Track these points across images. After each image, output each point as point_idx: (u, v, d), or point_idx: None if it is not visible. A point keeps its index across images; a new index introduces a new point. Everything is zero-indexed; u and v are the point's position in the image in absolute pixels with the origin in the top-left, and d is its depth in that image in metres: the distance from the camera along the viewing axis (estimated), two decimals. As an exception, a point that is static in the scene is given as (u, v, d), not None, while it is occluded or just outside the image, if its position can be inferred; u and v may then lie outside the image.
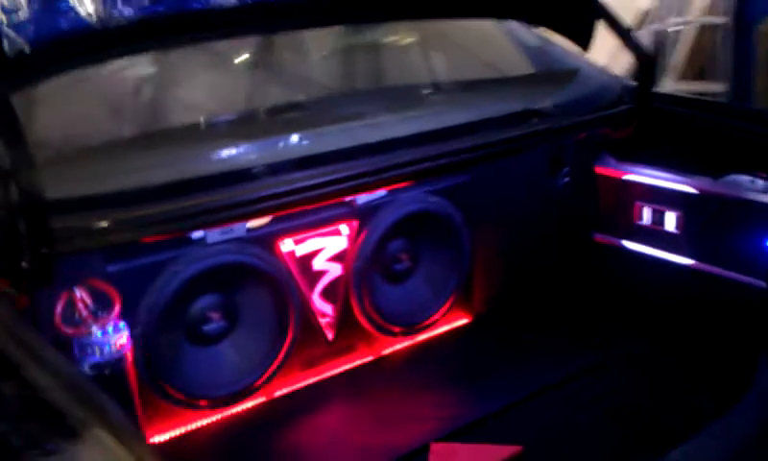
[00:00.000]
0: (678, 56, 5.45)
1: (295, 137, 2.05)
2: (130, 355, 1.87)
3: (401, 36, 2.67)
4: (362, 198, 2.33)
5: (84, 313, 1.81)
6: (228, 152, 1.86)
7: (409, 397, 2.32)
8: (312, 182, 1.92)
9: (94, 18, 1.51)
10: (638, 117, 2.28)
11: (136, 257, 1.97)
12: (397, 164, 2.05)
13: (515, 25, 2.52)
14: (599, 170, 2.56)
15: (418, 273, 2.57)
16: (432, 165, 2.10)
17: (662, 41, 5.21)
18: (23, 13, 1.44)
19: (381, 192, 2.37)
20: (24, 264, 1.31)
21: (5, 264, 1.30)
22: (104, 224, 1.46)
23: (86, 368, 1.78)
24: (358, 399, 2.34)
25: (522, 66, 2.56)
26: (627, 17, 3.86)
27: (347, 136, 2.08)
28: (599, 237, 2.61)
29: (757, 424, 1.79)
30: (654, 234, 2.41)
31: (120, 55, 1.63)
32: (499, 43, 2.59)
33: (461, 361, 2.52)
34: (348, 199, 2.30)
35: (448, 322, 2.66)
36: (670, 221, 2.36)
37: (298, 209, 2.08)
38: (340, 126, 2.16)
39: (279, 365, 2.25)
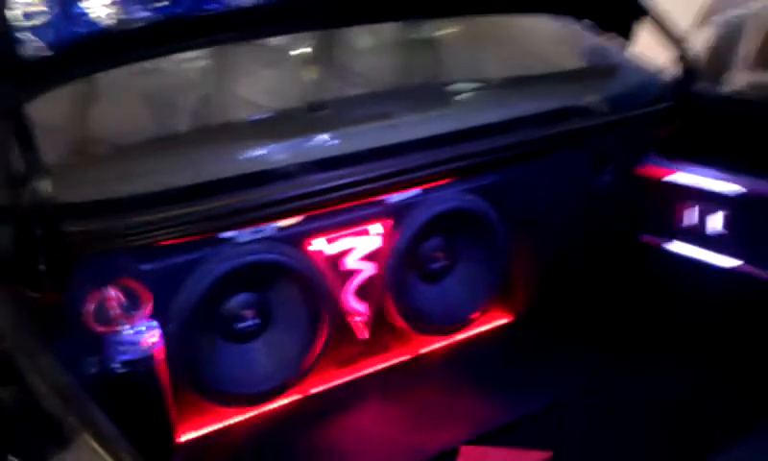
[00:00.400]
0: (748, 45, 5.21)
1: (326, 137, 2.07)
2: (160, 353, 1.91)
3: (441, 33, 2.64)
4: (394, 197, 2.32)
5: (117, 311, 1.86)
6: (251, 152, 1.89)
7: (442, 397, 2.31)
8: (343, 182, 1.94)
9: (111, 23, 1.55)
10: (680, 116, 2.19)
11: (169, 257, 2.01)
12: (429, 163, 2.04)
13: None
14: (645, 169, 2.47)
15: (454, 272, 2.55)
16: (464, 164, 2.09)
17: (731, 31, 4.97)
18: (42, 19, 1.48)
19: (414, 191, 2.35)
20: (41, 267, 1.36)
21: (23, 267, 1.35)
22: (118, 228, 1.50)
23: (117, 365, 1.83)
24: (392, 398, 2.34)
25: (563, 62, 2.49)
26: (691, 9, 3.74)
27: (378, 135, 2.08)
28: (646, 238, 2.52)
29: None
30: (699, 235, 2.32)
31: (138, 59, 1.67)
32: (540, 39, 2.53)
33: (497, 362, 2.49)
34: (379, 198, 2.31)
35: (487, 321, 2.63)
36: (715, 222, 2.26)
37: (329, 209, 2.10)
38: (373, 124, 2.16)
39: (313, 363, 2.27)
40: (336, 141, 2.08)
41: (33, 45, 1.48)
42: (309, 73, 2.33)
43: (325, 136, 2.08)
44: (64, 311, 1.77)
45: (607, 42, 2.39)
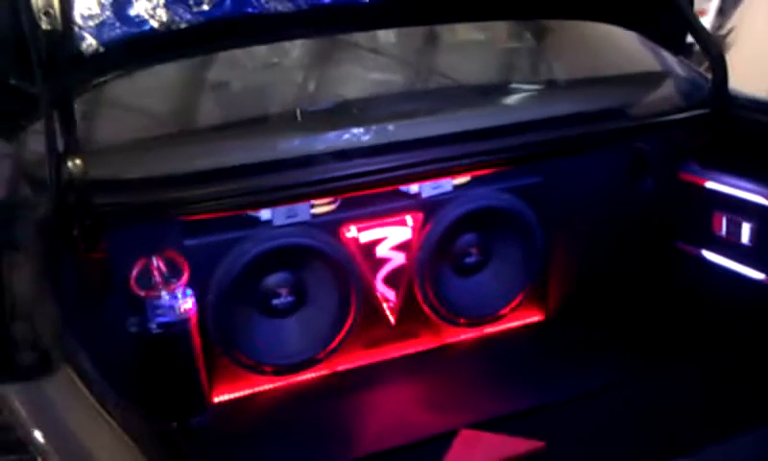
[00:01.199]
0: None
1: (362, 129, 2.19)
2: (194, 319, 2.13)
3: (479, 33, 2.74)
4: (427, 192, 2.45)
5: (158, 279, 2.09)
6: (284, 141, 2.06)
7: (461, 385, 2.42)
8: (372, 169, 2.05)
9: (157, 24, 1.76)
10: (714, 123, 2.19)
11: (211, 234, 2.23)
12: (455, 156, 2.13)
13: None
14: (684, 176, 2.48)
15: (488, 267, 2.64)
16: (491, 159, 2.16)
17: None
18: (97, 19, 1.71)
19: (448, 188, 2.47)
20: (74, 232, 1.59)
21: (59, 231, 1.58)
22: (139, 202, 1.72)
23: (154, 326, 2.06)
24: (412, 381, 2.47)
25: (608, 66, 2.53)
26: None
27: (416, 129, 2.18)
28: (681, 246, 2.52)
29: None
30: (731, 246, 2.31)
31: (180, 57, 1.88)
32: (587, 43, 2.57)
33: (521, 357, 2.56)
34: (413, 192, 2.44)
35: (520, 318, 2.71)
36: (745, 233, 2.25)
37: (359, 193, 2.24)
38: (413, 120, 2.27)
39: (341, 342, 2.43)
40: (374, 134, 2.20)
41: (89, 43, 1.71)
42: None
43: (361, 129, 2.21)
44: (111, 274, 2.01)
45: (653, 49, 2.41)
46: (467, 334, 2.64)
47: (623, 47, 2.48)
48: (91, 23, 1.71)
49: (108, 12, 1.72)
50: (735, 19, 4.15)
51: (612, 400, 2.26)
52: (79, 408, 1.21)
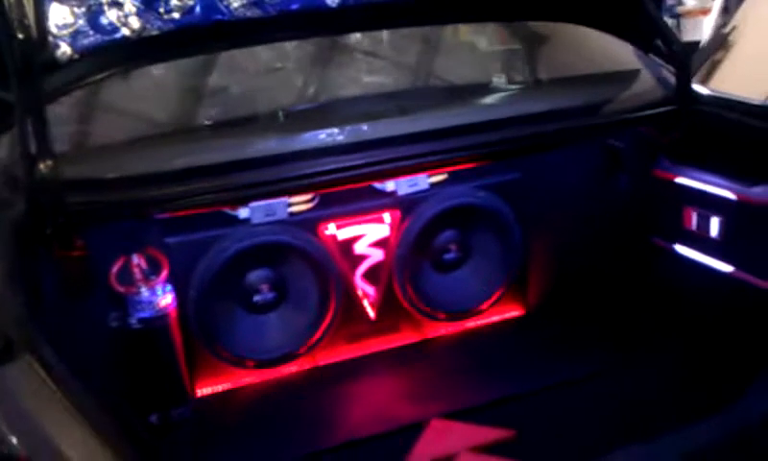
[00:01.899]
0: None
1: (334, 129, 2.24)
2: (173, 314, 2.21)
3: (455, 34, 2.79)
4: (404, 190, 2.51)
5: (138, 275, 2.17)
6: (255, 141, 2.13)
7: (439, 377, 2.47)
8: (347, 165, 2.10)
9: (129, 32, 1.84)
10: (680, 120, 2.24)
11: (191, 232, 2.30)
12: (426, 153, 2.18)
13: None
14: (656, 173, 2.51)
15: (467, 264, 2.70)
16: (458, 156, 2.22)
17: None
18: (72, 28, 1.79)
19: (424, 185, 2.53)
20: (48, 230, 1.67)
21: (34, 230, 1.66)
22: (111, 201, 1.79)
23: (134, 321, 2.14)
24: (392, 375, 2.53)
25: (574, 65, 2.58)
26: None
27: (387, 128, 2.24)
28: (656, 240, 2.56)
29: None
30: (701, 239, 2.35)
31: (152, 62, 1.96)
32: (554, 42, 2.62)
33: (500, 350, 2.61)
34: (390, 190, 2.50)
35: (500, 312, 2.76)
36: (714, 226, 2.29)
37: (332, 190, 2.30)
38: (385, 120, 2.33)
39: (321, 337, 2.50)
40: (349, 133, 2.26)
41: (63, 50, 1.79)
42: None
43: (337, 128, 2.26)
44: (91, 271, 2.09)
45: (624, 49, 2.45)
46: (447, 329, 2.69)
47: (596, 47, 2.52)
48: (65, 32, 1.79)
49: (81, 21, 1.81)
50: (739, 18, 4.17)
51: (584, 390, 2.30)
52: (38, 395, 1.28)
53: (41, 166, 1.63)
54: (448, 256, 2.66)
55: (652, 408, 2.17)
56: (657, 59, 2.35)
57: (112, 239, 2.13)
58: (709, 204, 2.29)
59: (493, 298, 2.70)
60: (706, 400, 2.12)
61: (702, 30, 5.10)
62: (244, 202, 2.27)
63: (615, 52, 2.43)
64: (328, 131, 2.21)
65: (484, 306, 2.71)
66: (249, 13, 1.95)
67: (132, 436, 1.83)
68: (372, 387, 2.49)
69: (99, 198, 1.87)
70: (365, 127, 2.26)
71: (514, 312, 2.78)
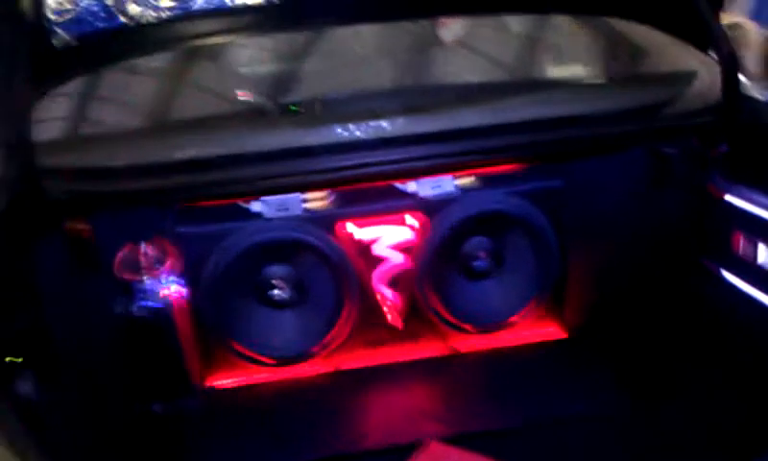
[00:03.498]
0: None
1: (359, 125, 2.15)
2: (178, 304, 2.21)
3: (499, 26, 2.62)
4: (428, 192, 2.39)
5: (144, 263, 2.18)
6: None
7: (458, 395, 2.36)
8: (361, 162, 2.02)
9: (127, 20, 1.83)
10: (724, 131, 2.00)
11: (203, 224, 2.29)
12: (450, 153, 2.07)
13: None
14: (709, 188, 2.26)
15: (499, 274, 2.54)
16: (474, 158, 2.09)
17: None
18: (70, 15, 1.81)
19: (451, 188, 2.40)
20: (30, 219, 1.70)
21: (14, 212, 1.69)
22: (108, 191, 1.80)
23: (137, 309, 2.15)
24: (409, 387, 2.43)
25: (621, 64, 2.37)
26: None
27: (415, 124, 2.13)
28: (705, 262, 2.31)
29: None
30: (747, 266, 2.09)
31: (150, 51, 1.95)
32: (600, 38, 2.41)
33: (531, 373, 2.44)
34: (412, 191, 2.39)
35: (533, 330, 2.58)
36: (761, 254, 2.02)
37: (348, 187, 2.26)
38: (415, 115, 2.22)
39: (336, 338, 2.43)
40: (373, 129, 2.17)
41: (59, 37, 1.81)
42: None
43: (362, 123, 2.17)
44: (97, 256, 2.12)
45: (677, 47, 2.22)
46: (475, 342, 2.54)
47: (646, 45, 2.30)
48: (62, 18, 1.80)
49: (78, 8, 1.81)
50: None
51: (613, 424, 2.13)
52: None
53: (23, 155, 1.64)
54: (478, 264, 2.51)
55: (683, 447, 1.98)
56: (708, 61, 2.10)
57: (120, 226, 2.15)
58: (758, 228, 2.03)
59: (525, 311, 2.53)
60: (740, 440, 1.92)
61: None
62: (257, 194, 2.24)
63: (659, 50, 2.20)
64: (354, 124, 2.12)
65: (514, 320, 2.54)
66: (249, 2, 1.90)
67: None
68: (387, 398, 2.40)
69: (101, 186, 1.88)
70: (391, 123, 2.15)
71: (549, 330, 2.59)
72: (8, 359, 1.45)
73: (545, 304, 2.55)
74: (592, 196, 2.44)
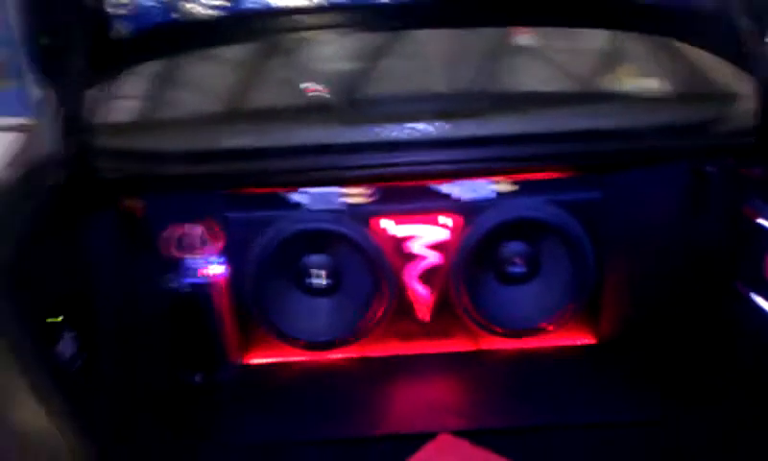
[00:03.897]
0: None
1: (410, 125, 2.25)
2: (221, 283, 2.37)
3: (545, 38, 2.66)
4: (466, 195, 2.46)
5: (194, 243, 2.35)
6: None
7: (481, 391, 2.42)
8: (402, 160, 2.14)
9: (180, 16, 1.99)
10: (761, 153, 1.99)
11: (249, 210, 2.44)
12: (488, 158, 2.16)
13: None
14: (746, 210, 2.24)
15: (533, 280, 2.58)
16: (507, 165, 2.17)
17: None
18: (128, 9, 1.98)
19: (489, 193, 2.46)
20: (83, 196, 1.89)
21: (69, 188, 1.88)
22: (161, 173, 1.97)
23: (179, 285, 2.32)
24: (436, 379, 2.51)
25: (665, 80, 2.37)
26: None
27: (457, 128, 2.23)
28: (739, 286, 2.29)
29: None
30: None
31: (202, 47, 2.11)
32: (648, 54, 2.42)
33: (555, 376, 2.48)
34: (451, 193, 2.47)
35: (564, 337, 2.61)
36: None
37: (388, 184, 2.37)
38: (457, 120, 2.30)
39: (370, 328, 2.54)
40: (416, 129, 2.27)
41: (118, 29, 1.99)
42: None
43: (410, 124, 2.27)
44: (150, 233, 2.30)
45: (721, 68, 2.22)
46: (503, 343, 2.60)
47: (692, 63, 2.30)
48: (121, 12, 1.98)
49: (135, 3, 1.98)
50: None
51: (633, 434, 2.16)
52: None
53: (78, 137, 1.82)
54: (513, 269, 2.56)
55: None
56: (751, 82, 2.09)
57: (171, 206, 2.32)
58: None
59: (557, 319, 2.57)
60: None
61: None
62: (302, 185, 2.38)
63: (704, 69, 2.20)
64: (395, 125, 2.23)
65: (545, 326, 2.58)
66: (301, 3, 2.02)
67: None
68: (410, 388, 2.48)
69: (153, 169, 2.06)
70: (433, 124, 2.24)
71: (581, 339, 2.62)
72: (49, 320, 1.61)
73: (578, 313, 2.57)
74: (631, 209, 2.45)
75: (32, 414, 1.37)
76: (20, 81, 3.94)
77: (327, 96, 2.45)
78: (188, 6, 1.97)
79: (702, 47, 2.21)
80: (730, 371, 2.27)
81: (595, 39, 2.68)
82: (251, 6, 2.00)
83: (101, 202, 2.00)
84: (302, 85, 2.48)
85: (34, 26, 1.85)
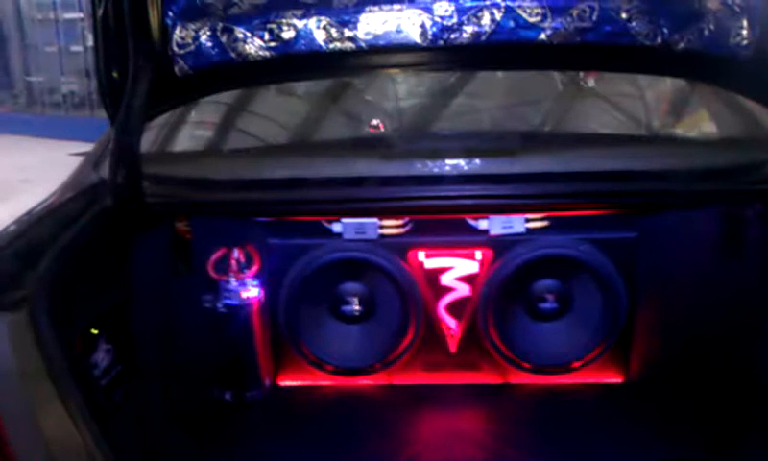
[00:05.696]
0: None
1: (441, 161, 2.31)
2: (255, 306, 2.45)
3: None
4: (497, 230, 2.51)
5: (233, 267, 2.45)
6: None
7: (500, 424, 2.45)
8: (436, 194, 2.20)
9: (235, 55, 2.09)
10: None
11: (290, 237, 2.54)
12: (518, 195, 2.20)
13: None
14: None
15: (564, 317, 2.61)
16: (537, 202, 2.21)
17: None
18: (189, 48, 2.09)
19: (520, 229, 2.51)
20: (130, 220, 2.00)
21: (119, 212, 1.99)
22: (177, 197, 2.07)
23: (220, 305, 2.42)
24: (461, 411, 2.55)
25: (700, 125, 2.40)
26: None
27: (482, 166, 2.28)
28: (769, 329, 2.29)
29: None
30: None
31: (257, 84, 2.21)
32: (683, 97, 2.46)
33: (583, 416, 2.49)
34: (482, 228, 2.52)
35: (595, 376, 2.63)
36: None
37: (422, 217, 2.43)
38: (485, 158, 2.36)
39: (398, 357, 2.60)
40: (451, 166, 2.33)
41: (180, 66, 2.10)
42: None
43: (443, 160, 2.33)
44: (194, 257, 2.40)
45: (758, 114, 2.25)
46: (531, 378, 2.63)
47: (729, 108, 2.33)
48: (184, 51, 2.09)
49: (197, 42, 2.09)
50: None
51: None
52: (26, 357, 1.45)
53: (125, 166, 1.93)
54: (544, 306, 2.59)
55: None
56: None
57: (216, 231, 2.43)
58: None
59: (587, 357, 2.59)
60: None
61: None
62: (339, 215, 2.46)
63: (741, 114, 2.22)
64: (432, 160, 2.30)
65: (575, 364, 2.60)
66: (341, 47, 2.11)
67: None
68: (435, 417, 2.53)
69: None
70: (469, 161, 2.29)
71: (609, 378, 2.63)
72: (86, 332, 1.70)
73: (607, 352, 2.59)
74: (665, 250, 2.47)
75: (59, 423, 1.38)
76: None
77: (382, 131, 2.54)
78: (245, 47, 2.06)
79: (739, 92, 2.23)
80: (760, 415, 2.25)
81: (650, 84, 2.72)
82: (300, 48, 2.08)
83: (148, 224, 2.11)
84: (372, 122, 2.57)
85: (105, 60, 1.98)
